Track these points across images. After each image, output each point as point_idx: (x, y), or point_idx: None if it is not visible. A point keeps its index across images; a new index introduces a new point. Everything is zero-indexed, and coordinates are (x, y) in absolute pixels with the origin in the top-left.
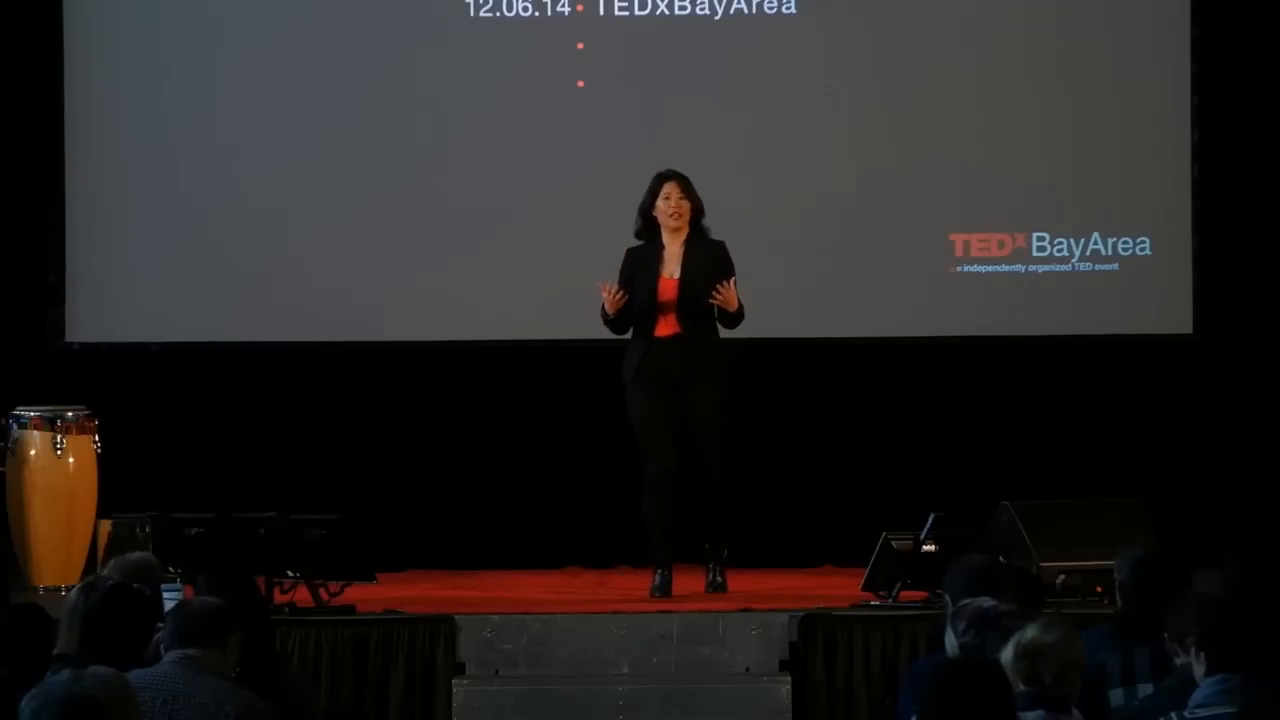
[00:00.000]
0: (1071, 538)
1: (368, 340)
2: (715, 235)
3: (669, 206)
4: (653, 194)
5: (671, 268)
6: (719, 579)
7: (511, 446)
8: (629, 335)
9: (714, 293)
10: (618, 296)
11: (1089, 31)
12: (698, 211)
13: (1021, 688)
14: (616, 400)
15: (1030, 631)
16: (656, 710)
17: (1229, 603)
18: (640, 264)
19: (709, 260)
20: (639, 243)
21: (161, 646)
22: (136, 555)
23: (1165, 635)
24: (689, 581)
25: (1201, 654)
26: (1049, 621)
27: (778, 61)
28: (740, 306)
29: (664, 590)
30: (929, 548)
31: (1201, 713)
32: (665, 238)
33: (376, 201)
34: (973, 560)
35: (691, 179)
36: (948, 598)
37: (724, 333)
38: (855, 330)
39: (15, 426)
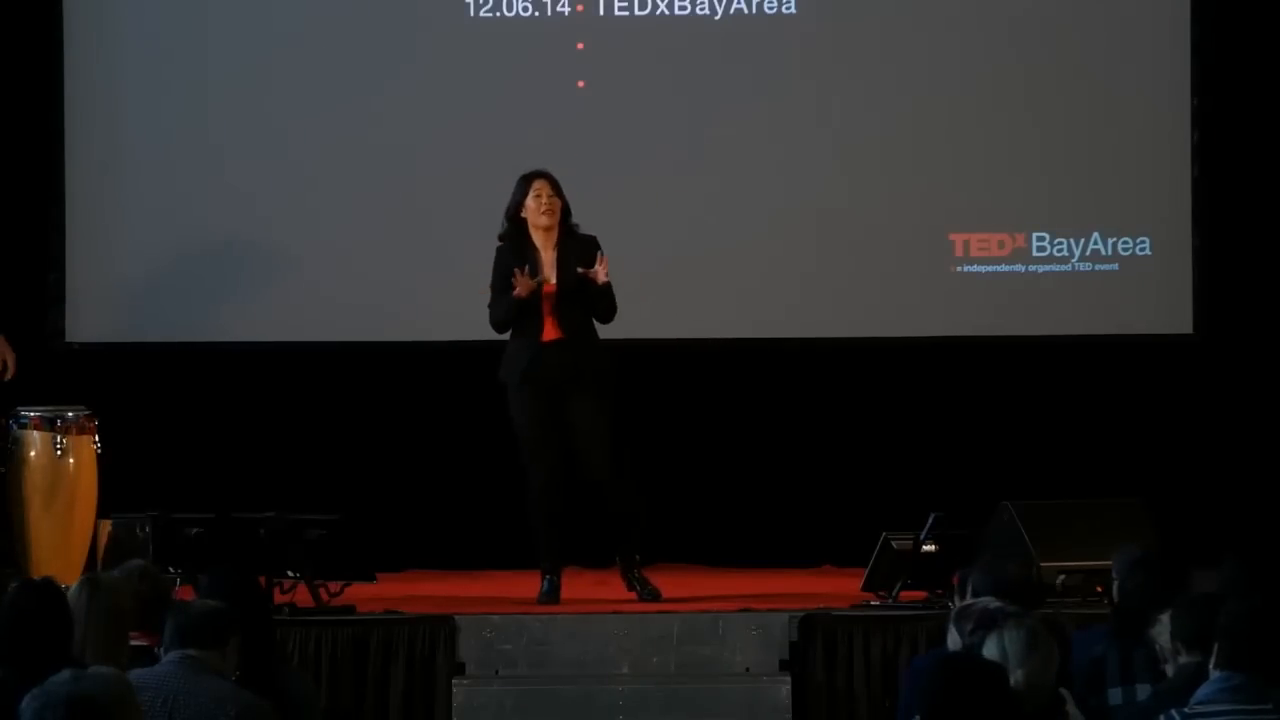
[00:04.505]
0: (1071, 538)
1: (368, 340)
2: (712, 234)
3: (540, 205)
4: (521, 194)
5: (548, 272)
6: (646, 588)
7: (511, 447)
8: (507, 336)
9: (585, 271)
10: (534, 281)
11: (1089, 31)
12: (566, 210)
13: None
14: (618, 401)
15: (1016, 671)
16: (656, 710)
17: (1256, 603)
18: (517, 267)
19: (584, 258)
20: (500, 243)
21: (162, 648)
22: (136, 562)
23: (1168, 635)
24: (685, 583)
25: (1215, 647)
26: (1029, 648)
27: (778, 61)
28: (610, 294)
29: (553, 596)
30: (929, 548)
31: (1202, 709)
32: (537, 239)
33: (376, 201)
34: (1009, 571)
35: (691, 178)
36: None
37: (602, 331)
38: (855, 330)
39: (15, 426)
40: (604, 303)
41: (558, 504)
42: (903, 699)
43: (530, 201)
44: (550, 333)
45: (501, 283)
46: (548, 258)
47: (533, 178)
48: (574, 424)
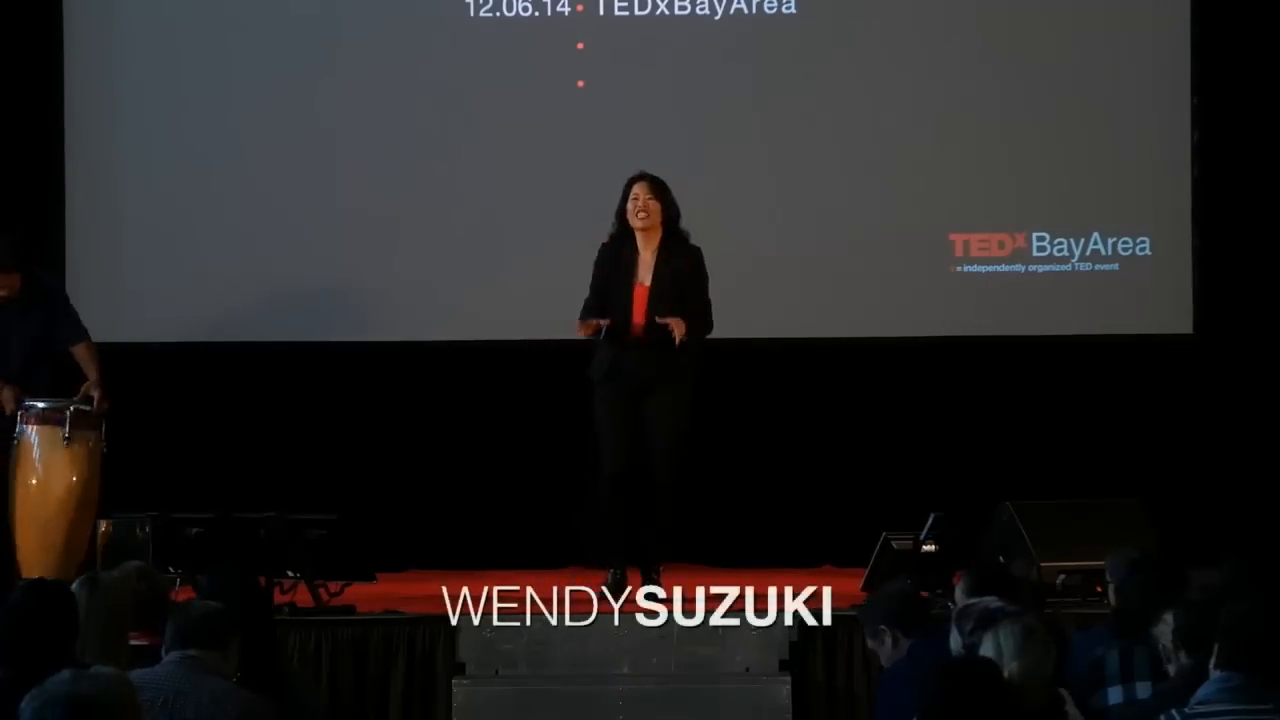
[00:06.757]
0: (1071, 538)
1: (367, 340)
2: (713, 235)
3: (636, 206)
4: (623, 196)
5: (643, 274)
6: (658, 590)
7: (511, 446)
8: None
9: (665, 321)
10: (604, 324)
11: (1089, 31)
12: (670, 215)
13: None
14: None
15: (1011, 665)
16: (656, 710)
17: (1257, 603)
18: (614, 265)
19: (679, 270)
20: (606, 241)
21: (163, 648)
22: (134, 562)
23: (1169, 635)
24: (685, 583)
25: (1215, 647)
26: (1023, 644)
27: (778, 61)
28: (708, 320)
29: (618, 590)
30: (929, 548)
31: (1202, 709)
32: (639, 240)
33: (376, 201)
34: (892, 588)
35: (691, 179)
36: (866, 626)
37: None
38: (856, 330)
39: (18, 422)
40: (698, 330)
41: (623, 499)
42: (879, 710)
43: (629, 204)
44: (638, 332)
45: (593, 280)
46: (645, 258)
47: (634, 180)
48: (650, 420)
